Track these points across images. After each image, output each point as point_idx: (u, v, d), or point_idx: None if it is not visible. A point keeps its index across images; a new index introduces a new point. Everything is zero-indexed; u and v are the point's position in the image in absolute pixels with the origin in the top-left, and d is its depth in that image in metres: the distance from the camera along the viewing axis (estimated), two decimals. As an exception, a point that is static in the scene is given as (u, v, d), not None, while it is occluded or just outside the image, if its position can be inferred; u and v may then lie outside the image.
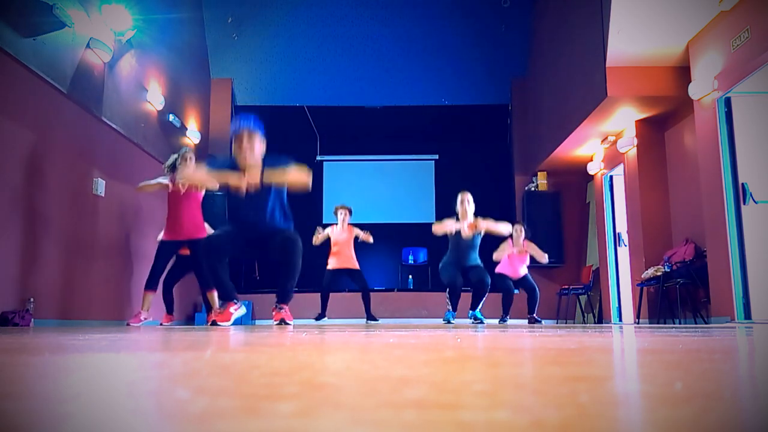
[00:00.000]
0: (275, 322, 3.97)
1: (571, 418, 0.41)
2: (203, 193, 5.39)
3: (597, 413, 0.44)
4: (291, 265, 3.85)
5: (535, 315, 6.73)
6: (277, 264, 4.00)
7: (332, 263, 6.92)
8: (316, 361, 0.93)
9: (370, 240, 6.97)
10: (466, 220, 5.68)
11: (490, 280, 5.81)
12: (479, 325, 4.96)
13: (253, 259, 4.16)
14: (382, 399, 0.50)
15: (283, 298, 3.97)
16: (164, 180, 5.34)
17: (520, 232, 6.77)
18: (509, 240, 6.80)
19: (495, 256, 6.67)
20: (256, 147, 3.76)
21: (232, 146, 3.85)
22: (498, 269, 6.68)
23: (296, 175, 3.85)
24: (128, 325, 5.08)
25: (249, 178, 3.73)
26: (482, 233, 5.73)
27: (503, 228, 5.77)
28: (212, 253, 3.79)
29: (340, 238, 6.96)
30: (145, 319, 5.15)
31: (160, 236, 5.39)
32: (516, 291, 7.57)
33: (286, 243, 3.84)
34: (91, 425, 0.40)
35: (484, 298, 5.82)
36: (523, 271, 6.79)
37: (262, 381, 0.65)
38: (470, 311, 5.79)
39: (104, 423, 0.41)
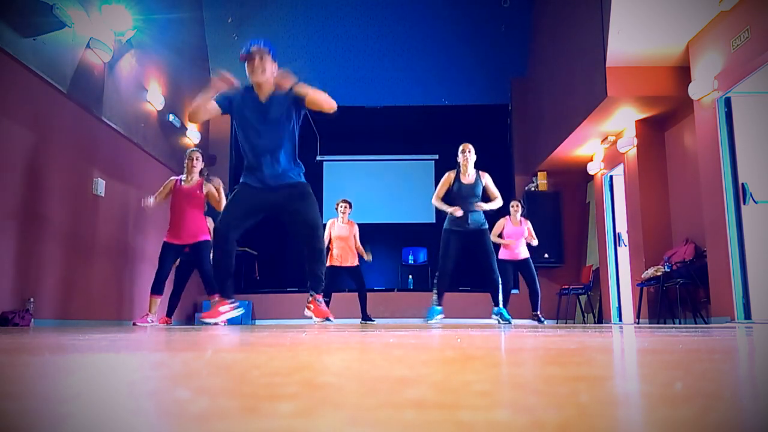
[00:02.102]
0: (318, 319, 3.68)
1: (571, 418, 0.41)
2: (205, 194, 5.37)
3: (597, 413, 0.44)
4: (314, 250, 3.63)
5: (539, 313, 6.64)
6: (293, 235, 3.75)
7: (332, 260, 6.92)
8: (316, 361, 0.93)
9: (370, 258, 7.07)
10: (467, 171, 5.56)
11: (497, 267, 5.40)
12: (505, 325, 4.85)
13: (268, 217, 3.89)
14: (382, 399, 0.50)
15: (316, 286, 3.70)
16: (172, 178, 5.34)
17: (517, 208, 6.75)
18: (507, 218, 6.76)
19: (492, 237, 6.55)
20: (267, 66, 3.63)
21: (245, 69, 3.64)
22: (499, 255, 6.51)
23: (316, 92, 3.63)
24: (134, 324, 5.08)
25: (262, 97, 3.60)
26: (483, 182, 5.57)
27: (497, 199, 5.50)
28: (221, 240, 3.58)
29: (341, 234, 6.98)
30: (152, 322, 5.14)
31: (165, 238, 5.36)
32: (516, 291, 7.57)
33: (302, 209, 3.60)
34: (91, 425, 0.40)
35: (501, 289, 5.50)
36: (524, 252, 6.66)
37: (262, 381, 0.65)
38: (494, 308, 5.53)
39: (104, 423, 0.41)
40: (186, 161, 5.35)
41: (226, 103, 3.64)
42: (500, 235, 6.72)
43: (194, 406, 0.47)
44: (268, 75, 3.64)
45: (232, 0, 8.83)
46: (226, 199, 4.57)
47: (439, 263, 5.43)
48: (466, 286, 8.65)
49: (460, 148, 5.61)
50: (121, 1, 5.77)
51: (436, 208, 5.67)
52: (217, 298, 3.80)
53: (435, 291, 5.41)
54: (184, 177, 5.32)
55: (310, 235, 3.65)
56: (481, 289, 8.13)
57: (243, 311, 3.96)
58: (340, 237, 6.96)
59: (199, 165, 5.35)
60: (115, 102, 5.97)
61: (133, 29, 6.01)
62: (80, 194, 5.38)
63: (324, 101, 3.66)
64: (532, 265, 6.69)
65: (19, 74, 4.53)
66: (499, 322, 5.54)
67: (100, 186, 5.66)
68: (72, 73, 5.18)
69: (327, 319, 3.74)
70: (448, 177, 5.59)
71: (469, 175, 5.51)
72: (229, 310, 3.70)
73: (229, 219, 3.60)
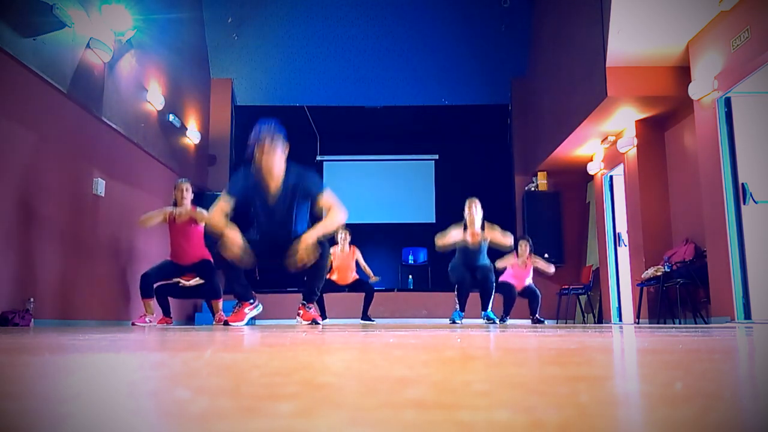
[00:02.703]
0: (305, 322, 3.94)
1: (571, 418, 0.41)
2: (203, 225, 5.30)
3: (597, 413, 0.44)
4: (317, 267, 3.81)
5: (537, 316, 6.70)
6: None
7: (332, 278, 6.92)
8: (316, 361, 0.93)
9: (376, 279, 7.22)
10: (473, 227, 5.67)
11: (494, 278, 5.82)
12: (492, 325, 4.95)
13: (276, 266, 3.98)
14: (382, 399, 0.50)
15: (309, 298, 3.98)
16: (167, 209, 5.25)
17: (525, 247, 6.73)
18: (514, 253, 6.75)
19: (499, 264, 6.58)
20: (278, 153, 3.67)
21: (253, 153, 3.69)
22: (502, 278, 6.60)
23: (331, 221, 3.69)
24: (133, 324, 5.08)
25: (273, 187, 3.66)
26: (489, 238, 5.75)
27: (507, 240, 5.76)
28: (233, 274, 3.76)
29: (342, 264, 6.96)
30: (150, 322, 5.16)
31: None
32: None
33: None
34: (91, 425, 0.40)
35: (493, 296, 5.78)
36: (528, 281, 6.77)
37: (262, 381, 0.65)
38: (483, 312, 5.77)
39: (104, 423, 0.41)
40: (175, 192, 5.25)
41: (241, 195, 3.70)
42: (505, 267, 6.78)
43: (194, 406, 0.47)
44: (279, 162, 3.66)
45: (232, 0, 8.83)
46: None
47: (457, 280, 5.73)
48: (473, 286, 8.66)
49: (466, 204, 5.76)
50: (121, 1, 5.77)
51: (443, 244, 5.81)
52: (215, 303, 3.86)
53: (457, 299, 5.72)
54: (176, 211, 5.20)
55: (316, 273, 3.84)
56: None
57: (261, 307, 4.10)
58: (341, 267, 6.96)
59: (189, 196, 5.26)
60: (115, 102, 5.97)
61: (133, 29, 6.00)
62: (80, 194, 5.38)
63: (337, 219, 3.74)
64: (534, 287, 6.76)
65: (19, 74, 4.53)
66: (486, 322, 5.71)
67: (100, 186, 5.66)
68: (72, 73, 5.18)
69: (314, 321, 3.93)
70: (457, 232, 5.74)
71: (476, 232, 5.60)
72: (251, 310, 3.89)
73: (237, 260, 3.64)
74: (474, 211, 5.66)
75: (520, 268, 6.73)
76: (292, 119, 9.75)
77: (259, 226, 3.84)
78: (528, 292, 6.78)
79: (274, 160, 3.64)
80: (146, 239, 6.60)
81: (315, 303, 4.09)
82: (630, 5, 5.46)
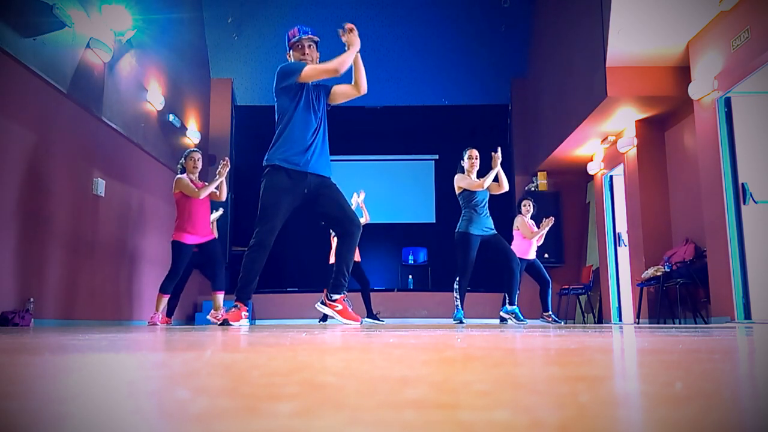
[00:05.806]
0: (346, 321, 3.53)
1: (571, 418, 0.41)
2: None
3: (597, 413, 0.44)
4: (350, 231, 3.53)
5: (550, 312, 6.22)
6: (324, 217, 3.67)
7: (334, 256, 6.81)
8: (316, 361, 0.93)
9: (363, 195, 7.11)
10: (472, 175, 5.60)
11: (517, 261, 5.46)
12: (521, 324, 4.85)
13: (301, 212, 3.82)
14: (382, 399, 0.50)
15: (343, 285, 3.50)
16: (184, 177, 5.30)
17: (529, 207, 6.56)
18: (521, 216, 6.50)
19: (536, 236, 6.32)
20: (315, 56, 3.87)
21: (291, 54, 3.84)
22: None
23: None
24: (154, 324, 5.10)
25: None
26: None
27: (504, 184, 5.61)
28: (264, 252, 3.48)
29: None
30: (159, 321, 5.18)
31: (180, 238, 5.20)
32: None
33: (333, 193, 3.59)
34: (91, 425, 0.40)
35: (515, 287, 5.45)
36: (533, 253, 6.40)
37: (262, 381, 0.65)
38: (505, 307, 5.47)
39: (104, 423, 0.41)
40: (187, 161, 5.35)
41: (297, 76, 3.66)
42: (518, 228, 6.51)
43: (194, 406, 0.47)
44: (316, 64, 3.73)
45: (232, 0, 8.83)
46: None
47: (463, 269, 5.38)
48: (467, 286, 8.64)
49: (467, 154, 5.69)
50: (121, 1, 5.77)
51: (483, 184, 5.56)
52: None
53: (459, 296, 5.40)
54: (193, 177, 5.34)
55: (346, 219, 3.58)
56: (483, 290, 8.15)
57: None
58: None
59: (200, 165, 5.42)
60: (115, 102, 5.97)
61: (133, 29, 6.01)
62: (80, 194, 5.38)
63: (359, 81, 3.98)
64: (542, 266, 6.40)
65: (19, 74, 4.53)
66: (506, 322, 5.47)
67: (100, 186, 5.66)
68: (72, 73, 5.18)
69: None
70: (476, 179, 5.63)
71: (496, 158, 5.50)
72: (245, 317, 3.73)
73: (274, 230, 3.46)
74: (475, 160, 5.56)
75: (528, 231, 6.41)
76: (292, 119, 9.75)
77: (303, 120, 3.73)
78: (537, 273, 6.33)
79: (313, 64, 3.80)
80: (146, 239, 6.60)
81: (345, 294, 3.61)
82: (630, 5, 5.47)
